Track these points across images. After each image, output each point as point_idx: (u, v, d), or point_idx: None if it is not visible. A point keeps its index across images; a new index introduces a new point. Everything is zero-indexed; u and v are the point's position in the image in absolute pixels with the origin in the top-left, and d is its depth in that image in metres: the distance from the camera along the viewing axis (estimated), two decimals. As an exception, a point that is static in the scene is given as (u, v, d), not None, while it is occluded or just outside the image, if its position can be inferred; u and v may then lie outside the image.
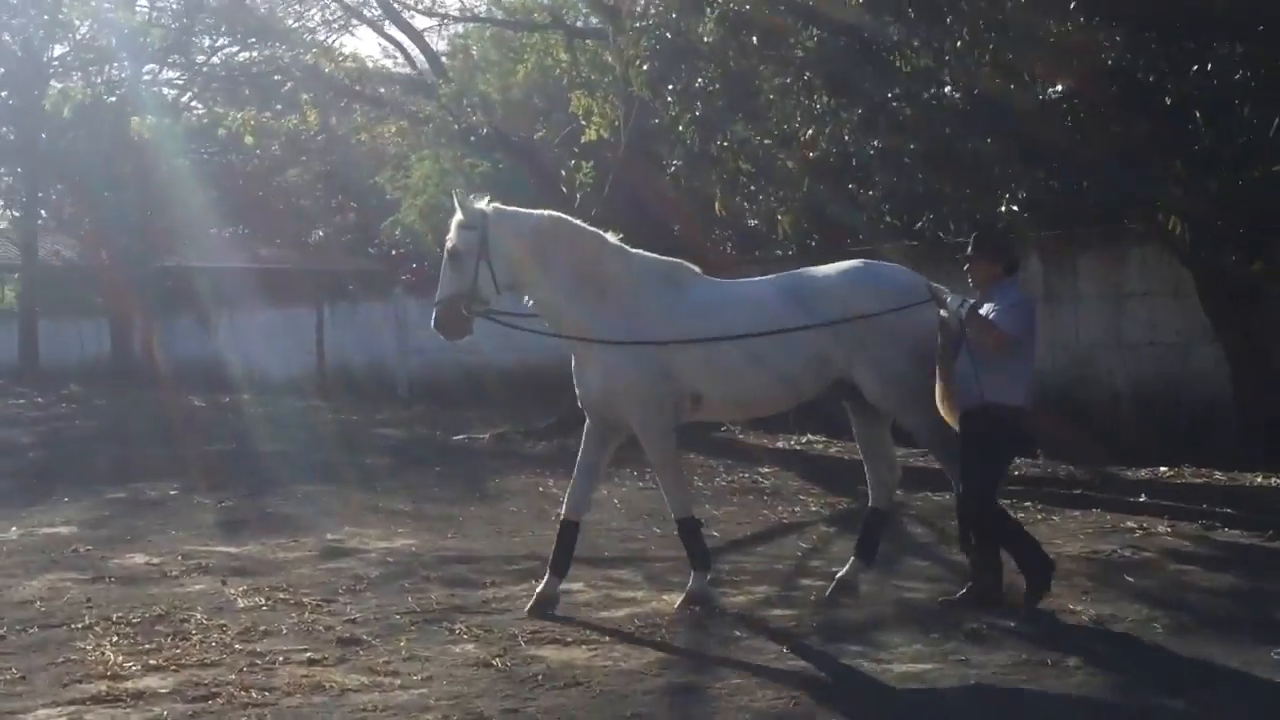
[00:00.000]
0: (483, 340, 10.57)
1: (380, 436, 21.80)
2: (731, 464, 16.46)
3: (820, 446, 17.80)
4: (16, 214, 42.54)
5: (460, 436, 20.46)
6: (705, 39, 15.01)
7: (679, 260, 8.99)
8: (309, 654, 7.76)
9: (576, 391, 8.83)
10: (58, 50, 39.41)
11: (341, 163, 43.80)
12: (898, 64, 12.93)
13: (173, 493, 15.24)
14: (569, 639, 8.04)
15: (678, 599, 8.79)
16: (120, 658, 7.68)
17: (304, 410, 26.64)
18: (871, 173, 15.35)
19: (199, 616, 8.68)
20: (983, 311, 8.10)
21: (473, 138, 21.37)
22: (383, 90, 27.30)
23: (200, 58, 38.07)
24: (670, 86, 16.50)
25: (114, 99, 34.25)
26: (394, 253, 47.50)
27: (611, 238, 8.82)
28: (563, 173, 20.66)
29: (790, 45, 13.87)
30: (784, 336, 8.30)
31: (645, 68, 16.24)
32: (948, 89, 13.18)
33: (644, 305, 8.58)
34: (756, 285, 9.05)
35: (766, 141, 15.24)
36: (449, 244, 8.56)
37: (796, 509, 13.49)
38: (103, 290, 39.51)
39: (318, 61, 23.32)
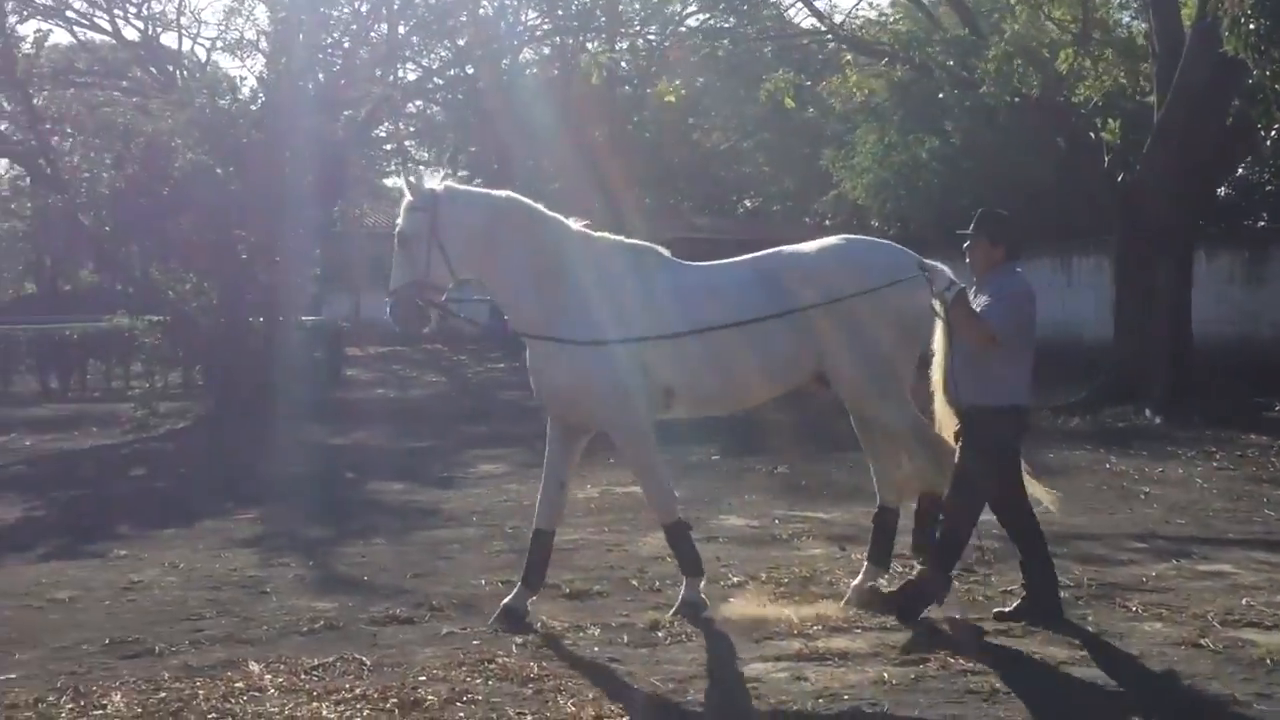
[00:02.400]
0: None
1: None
2: None
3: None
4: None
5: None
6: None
7: (648, 244, 8.47)
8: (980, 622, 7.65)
9: (533, 389, 8.30)
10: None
11: (780, 132, 44.20)
12: None
13: (715, 457, 15.57)
14: (1267, 623, 7.59)
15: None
16: (794, 616, 7.77)
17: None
18: None
19: (846, 579, 8.71)
20: (977, 301, 7.43)
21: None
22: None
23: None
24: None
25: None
26: (826, 222, 47.70)
27: (575, 223, 8.23)
28: (1091, 135, 19.96)
29: None
30: (765, 326, 7.78)
31: (1252, 26, 15.35)
32: None
33: (611, 293, 8.01)
34: (732, 268, 8.34)
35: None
36: (397, 228, 8.06)
37: None
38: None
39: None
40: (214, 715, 6.36)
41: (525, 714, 6.14)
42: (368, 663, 7.05)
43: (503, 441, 17.50)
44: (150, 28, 38.34)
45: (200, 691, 6.64)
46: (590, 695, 6.40)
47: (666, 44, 32.70)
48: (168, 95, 23.23)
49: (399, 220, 8.00)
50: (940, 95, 27.33)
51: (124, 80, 36.72)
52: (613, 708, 6.21)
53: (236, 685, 6.74)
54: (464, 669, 6.89)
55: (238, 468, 15.41)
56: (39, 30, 27.75)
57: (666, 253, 8.28)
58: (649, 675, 6.76)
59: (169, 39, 42.24)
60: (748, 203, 62.76)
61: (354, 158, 22.47)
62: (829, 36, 24.84)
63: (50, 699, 6.58)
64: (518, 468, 15.10)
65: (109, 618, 8.32)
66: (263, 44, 30.26)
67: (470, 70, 38.82)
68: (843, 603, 7.97)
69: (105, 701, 6.52)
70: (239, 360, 20.68)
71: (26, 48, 22.23)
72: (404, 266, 7.89)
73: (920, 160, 31.78)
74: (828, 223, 47.08)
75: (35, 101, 21.46)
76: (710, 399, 8.41)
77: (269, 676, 6.88)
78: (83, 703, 6.51)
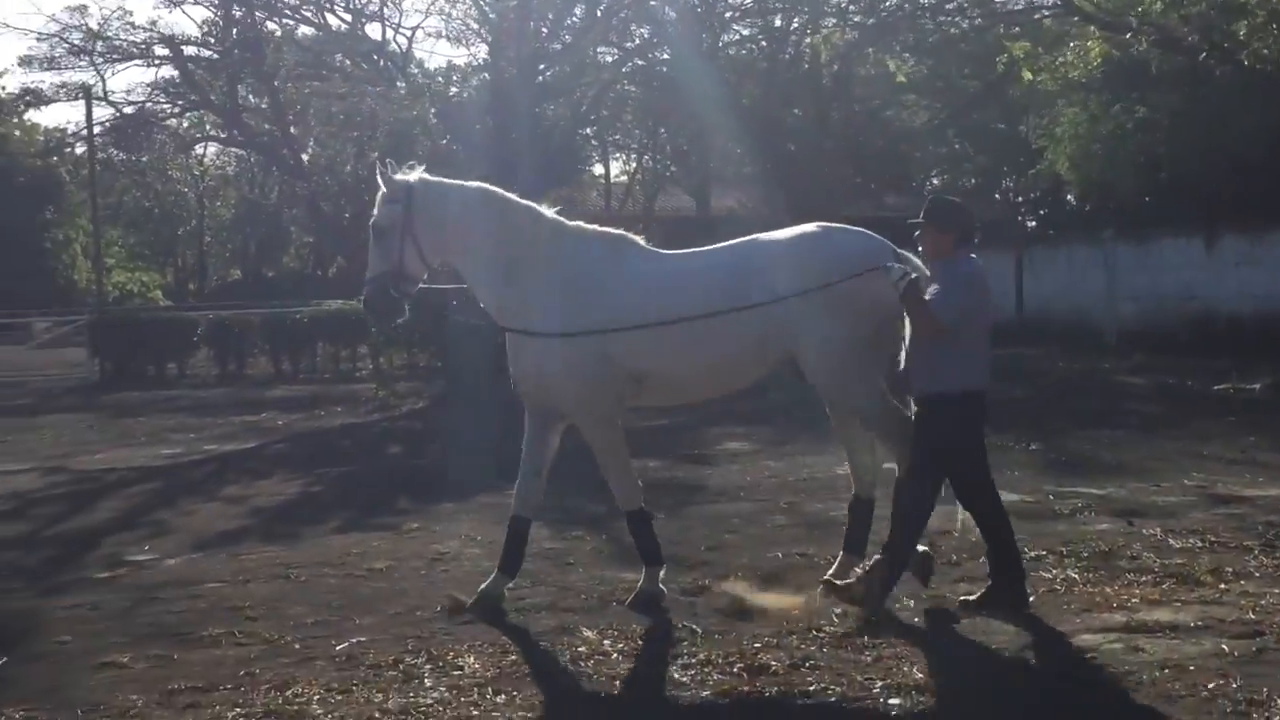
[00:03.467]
0: (1208, 287, 9.77)
1: (1122, 384, 21.43)
2: None
3: None
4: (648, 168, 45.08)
5: (1221, 386, 19.67)
6: None
7: (621, 232, 8.34)
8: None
9: (511, 377, 8.25)
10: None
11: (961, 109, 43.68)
12: None
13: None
14: None
15: None
16: (1109, 591, 7.83)
17: (1011, 357, 26.67)
18: None
19: (1146, 553, 8.72)
20: (930, 289, 7.27)
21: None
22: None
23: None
24: None
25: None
26: (1018, 197, 47.00)
27: (547, 211, 8.21)
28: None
29: None
30: (731, 314, 7.59)
31: None
32: None
33: (581, 281, 7.97)
34: (704, 255, 8.20)
35: None
36: (372, 219, 8.11)
37: None
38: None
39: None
40: (565, 676, 6.68)
41: (873, 679, 6.31)
42: (698, 630, 7.31)
43: (741, 420, 17.66)
44: (357, 20, 39.46)
45: (547, 655, 6.97)
46: (933, 663, 6.55)
47: (871, 22, 32.41)
48: (376, 84, 23.80)
49: (374, 212, 8.11)
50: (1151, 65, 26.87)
51: (332, 71, 37.86)
52: (962, 674, 6.36)
53: (579, 649, 7.06)
54: (794, 637, 7.10)
55: (486, 445, 15.80)
56: (285, 24, 28.74)
57: (641, 240, 8.30)
58: (983, 644, 6.89)
59: (373, 30, 43.28)
60: (935, 180, 62.37)
61: (576, 143, 22.86)
62: (1068, 12, 24.40)
63: (408, 659, 6.97)
64: (766, 445, 15.31)
65: (430, 586, 8.70)
66: (484, 32, 30.83)
67: (667, 53, 39.10)
68: (819, 592, 7.77)
69: (460, 663, 6.87)
70: (470, 343, 21.15)
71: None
72: (379, 257, 8.04)
73: (1125, 131, 31.22)
74: (1020, 198, 46.57)
75: (281, 95, 22.25)
76: (681, 386, 8.39)
77: (607, 642, 7.18)
78: (440, 664, 6.88)
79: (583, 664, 6.83)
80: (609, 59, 39.12)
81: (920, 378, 7.39)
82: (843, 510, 10.54)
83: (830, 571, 7.99)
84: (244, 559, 9.91)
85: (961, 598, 7.69)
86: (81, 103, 39.74)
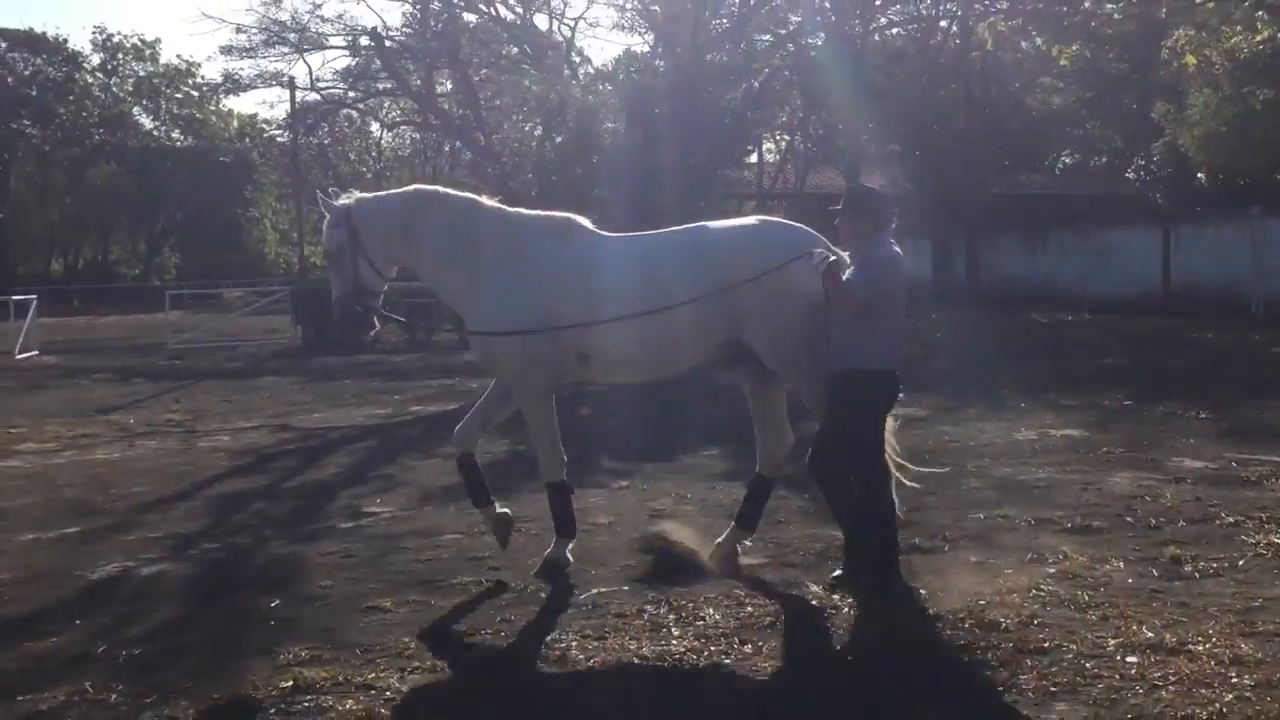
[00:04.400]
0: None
1: (1275, 355, 20.83)
2: None
3: None
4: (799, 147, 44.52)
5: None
6: None
7: (569, 215, 8.22)
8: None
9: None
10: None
11: (1109, 90, 42.62)
12: None
13: (1126, 403, 15.26)
14: None
15: None
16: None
17: (1161, 328, 26.10)
18: None
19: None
20: (848, 273, 7.22)
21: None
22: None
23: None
24: None
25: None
26: (1147, 176, 45.78)
27: (487, 200, 8.16)
28: None
29: None
30: (671, 295, 7.54)
31: None
32: None
33: (524, 264, 7.82)
34: (650, 240, 8.13)
35: None
36: (324, 246, 8.03)
37: None
38: (926, 215, 40.46)
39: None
40: (804, 629, 6.65)
41: (1104, 637, 6.18)
42: (922, 590, 7.22)
43: (906, 387, 17.40)
44: (527, 10, 39.64)
45: (782, 609, 6.95)
46: (1160, 622, 6.39)
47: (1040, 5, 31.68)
48: (539, 70, 23.82)
49: (323, 239, 8.11)
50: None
51: (508, 60, 38.19)
52: (1195, 631, 6.20)
53: (811, 603, 7.04)
54: (1014, 595, 6.99)
55: (672, 407, 15.79)
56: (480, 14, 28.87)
57: (587, 223, 8.18)
58: (1200, 605, 6.71)
59: (540, 20, 43.49)
60: (1066, 159, 61.19)
61: (746, 124, 22.77)
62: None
63: (651, 610, 7.00)
64: (938, 411, 15.10)
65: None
66: (651, 20, 30.86)
67: (820, 38, 38.71)
68: (707, 557, 7.86)
69: (702, 614, 6.88)
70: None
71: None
72: (337, 280, 8.01)
73: (1254, 112, 30.25)
74: (1148, 176, 45.36)
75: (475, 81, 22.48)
76: (624, 365, 8.20)
77: (836, 596, 7.14)
78: (682, 614, 6.90)
79: (816, 617, 6.80)
80: (761, 45, 38.99)
81: (839, 352, 7.31)
82: (1032, 475, 10.50)
83: (721, 539, 8.07)
84: (474, 512, 10.04)
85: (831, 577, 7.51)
86: (270, 89, 40.75)
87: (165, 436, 15.34)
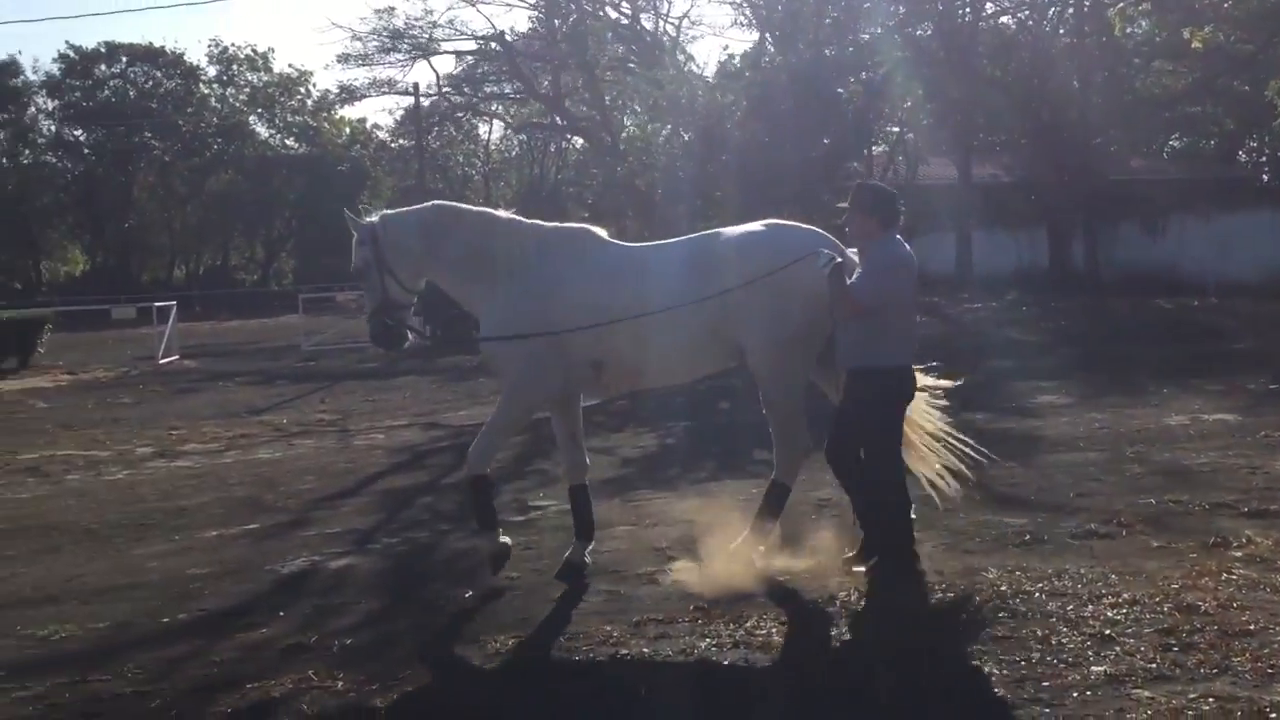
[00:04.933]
0: None
1: None
2: None
3: None
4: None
5: None
6: None
7: (585, 225, 8.29)
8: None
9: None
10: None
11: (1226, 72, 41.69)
12: None
13: (1272, 387, 15.03)
14: None
15: None
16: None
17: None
18: None
19: None
20: (857, 274, 7.21)
21: None
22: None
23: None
24: None
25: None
26: (1260, 158, 44.78)
27: (502, 213, 8.23)
28: None
29: None
30: (678, 301, 7.56)
31: None
32: None
33: (538, 274, 7.88)
34: (662, 249, 8.22)
35: None
36: (353, 263, 8.11)
37: None
38: (1040, 204, 39.95)
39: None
40: (994, 615, 6.65)
41: (1310, 619, 6.13)
42: (1110, 575, 7.19)
43: (1043, 375, 17.34)
44: (636, 11, 39.80)
45: (972, 594, 6.98)
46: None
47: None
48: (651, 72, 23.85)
49: (352, 257, 8.16)
50: None
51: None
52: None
53: (1000, 588, 7.04)
54: (1205, 579, 6.93)
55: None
56: (593, 18, 29.05)
57: (602, 233, 8.22)
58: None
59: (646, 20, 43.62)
60: (1174, 143, 60.04)
61: (867, 119, 22.69)
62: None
63: (843, 595, 7.05)
64: (1081, 398, 14.99)
65: (826, 527, 8.65)
66: (775, 17, 30.73)
67: (927, 28, 38.41)
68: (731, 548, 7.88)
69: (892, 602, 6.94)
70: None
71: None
72: (368, 296, 8.16)
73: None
74: (1262, 158, 44.37)
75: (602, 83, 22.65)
76: (637, 372, 8.23)
77: (1027, 583, 7.13)
78: (869, 599, 6.96)
79: (1009, 601, 6.80)
80: (865, 36, 38.80)
81: (851, 353, 7.31)
82: (1194, 459, 10.38)
83: (744, 534, 8.05)
84: (639, 504, 10.18)
85: (844, 558, 7.66)
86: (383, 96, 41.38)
87: (320, 436, 15.69)
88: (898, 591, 7.11)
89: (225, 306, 63.76)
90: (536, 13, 28.57)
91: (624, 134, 23.28)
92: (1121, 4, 26.77)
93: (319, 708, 5.89)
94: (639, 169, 21.46)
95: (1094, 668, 5.69)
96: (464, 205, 8.49)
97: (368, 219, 8.11)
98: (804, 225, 8.19)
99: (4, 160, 75.38)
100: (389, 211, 8.28)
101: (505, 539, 8.08)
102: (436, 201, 8.60)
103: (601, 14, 36.12)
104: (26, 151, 76.31)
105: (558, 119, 30.29)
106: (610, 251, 8.14)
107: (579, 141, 77.87)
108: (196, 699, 6.15)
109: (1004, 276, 38.50)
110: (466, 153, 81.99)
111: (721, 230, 8.33)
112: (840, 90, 21.83)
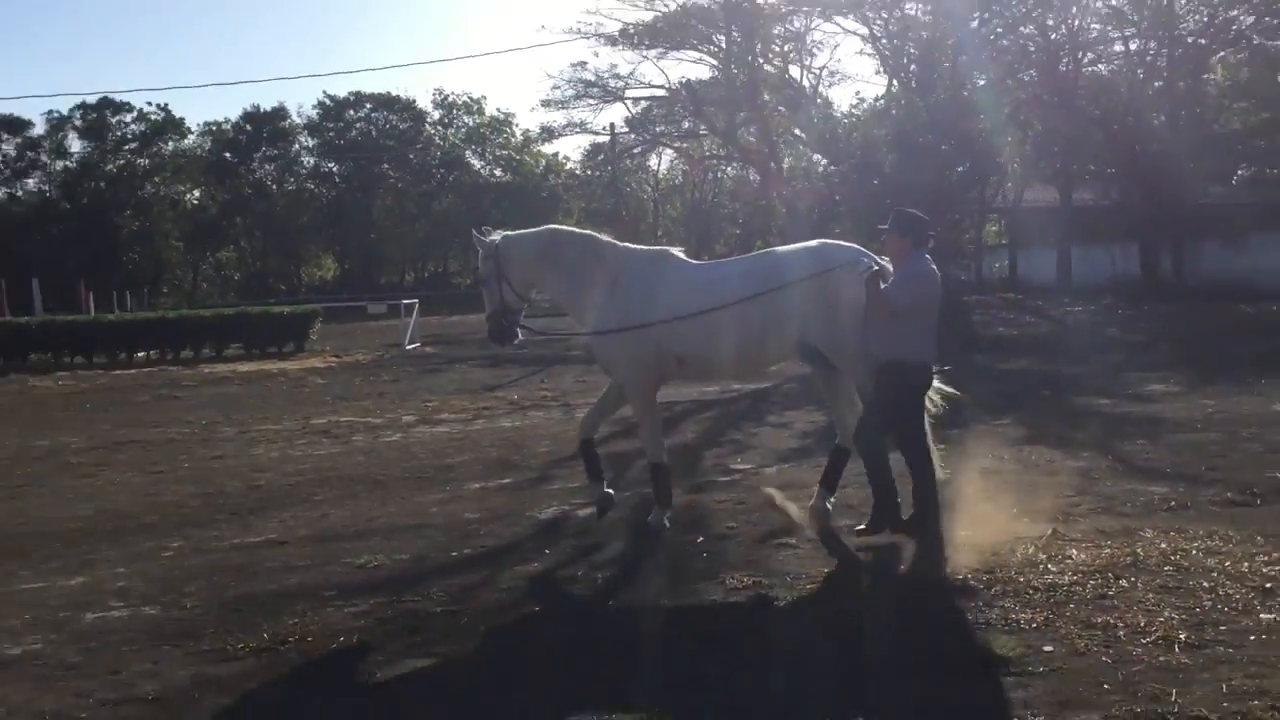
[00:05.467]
0: None
1: None
2: None
3: None
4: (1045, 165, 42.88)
5: None
6: None
7: (666, 248, 8.32)
8: None
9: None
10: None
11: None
12: None
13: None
14: None
15: None
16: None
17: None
18: None
19: None
20: (891, 282, 7.17)
21: None
22: None
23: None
24: None
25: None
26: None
27: (604, 236, 8.33)
28: None
29: None
30: (745, 306, 7.61)
31: None
32: None
33: (633, 286, 7.96)
34: (726, 265, 8.44)
35: None
36: (479, 273, 8.33)
37: None
38: (1131, 223, 38.61)
39: None
40: (1169, 566, 6.40)
41: None
42: (1257, 536, 6.88)
43: (1149, 367, 16.72)
44: (784, 64, 39.41)
45: (1138, 550, 6.74)
46: None
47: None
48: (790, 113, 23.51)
49: (478, 268, 8.34)
50: None
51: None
52: None
53: (1162, 547, 6.77)
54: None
55: (985, 383, 15.28)
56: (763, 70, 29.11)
57: (680, 253, 8.24)
58: None
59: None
60: (1242, 171, 57.29)
61: (994, 149, 22.14)
62: None
63: (1024, 549, 6.87)
64: (1189, 387, 14.41)
65: (1009, 492, 8.39)
66: (912, 66, 30.20)
67: (1034, 75, 37.26)
68: (803, 519, 7.84)
69: (1067, 555, 6.73)
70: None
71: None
72: (487, 300, 8.31)
73: None
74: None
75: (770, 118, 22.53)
76: (713, 365, 8.22)
77: (1183, 543, 6.86)
78: (1051, 553, 6.76)
79: (1171, 557, 6.53)
80: (981, 81, 37.85)
81: (883, 348, 7.24)
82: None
83: (812, 501, 7.96)
84: (819, 467, 10.02)
85: (857, 529, 7.53)
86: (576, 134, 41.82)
87: (547, 409, 15.87)
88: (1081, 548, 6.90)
89: (446, 304, 65.06)
90: (716, 63, 28.60)
91: (787, 163, 23.09)
92: (1223, 54, 25.58)
93: (597, 626, 5.96)
94: (800, 194, 21.29)
95: (1263, 615, 5.45)
96: (573, 229, 8.57)
97: (490, 238, 8.27)
98: (847, 244, 8.17)
99: (274, 187, 78.05)
100: (509, 233, 8.40)
101: (667, 521, 8.12)
102: (551, 226, 8.75)
103: (772, 66, 35.91)
104: (291, 180, 78.87)
105: (734, 151, 30.18)
106: (686, 268, 8.19)
107: (731, 170, 78.54)
108: (496, 617, 6.27)
109: (1099, 286, 37.35)
110: (638, 180, 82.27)
111: (775, 249, 8.46)
112: (972, 127, 21.21)
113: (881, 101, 22.35)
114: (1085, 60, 40.22)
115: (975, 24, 27.84)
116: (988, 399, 13.75)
